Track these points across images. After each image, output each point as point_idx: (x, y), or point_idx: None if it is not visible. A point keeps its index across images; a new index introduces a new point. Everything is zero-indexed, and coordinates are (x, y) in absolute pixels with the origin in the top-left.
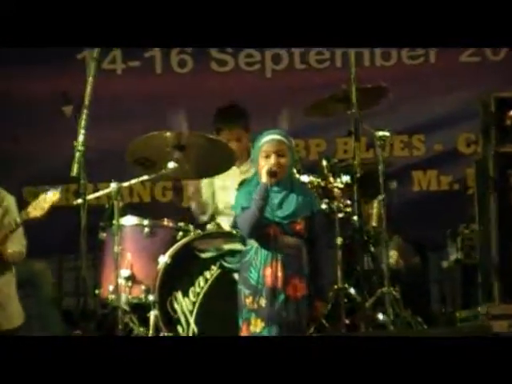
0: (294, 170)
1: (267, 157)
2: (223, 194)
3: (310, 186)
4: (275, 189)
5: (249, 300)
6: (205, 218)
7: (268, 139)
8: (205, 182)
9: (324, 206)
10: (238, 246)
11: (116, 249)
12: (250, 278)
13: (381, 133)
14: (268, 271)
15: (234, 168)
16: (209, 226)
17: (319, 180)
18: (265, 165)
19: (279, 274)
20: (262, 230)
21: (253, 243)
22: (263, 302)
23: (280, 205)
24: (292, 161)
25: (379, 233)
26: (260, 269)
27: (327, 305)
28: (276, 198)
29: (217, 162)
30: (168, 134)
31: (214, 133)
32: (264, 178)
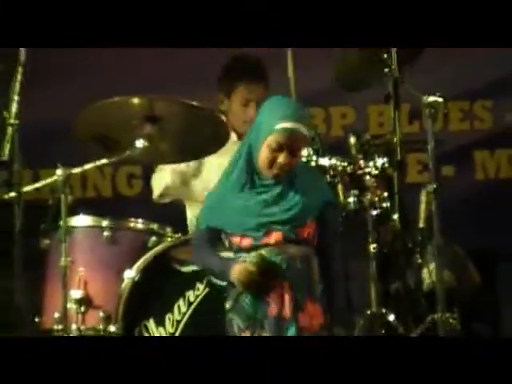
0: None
1: (275, 150)
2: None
3: (332, 172)
4: (269, 181)
5: (245, 335)
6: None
7: (282, 127)
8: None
9: (351, 200)
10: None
11: (63, 261)
12: (245, 304)
13: (431, 98)
14: (271, 295)
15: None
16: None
17: (345, 164)
18: (268, 157)
19: (286, 297)
20: (259, 235)
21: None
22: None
23: (278, 200)
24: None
25: (428, 238)
26: (259, 292)
27: None
28: (271, 191)
29: (204, 139)
30: (135, 100)
31: (220, 92)
32: (265, 170)
